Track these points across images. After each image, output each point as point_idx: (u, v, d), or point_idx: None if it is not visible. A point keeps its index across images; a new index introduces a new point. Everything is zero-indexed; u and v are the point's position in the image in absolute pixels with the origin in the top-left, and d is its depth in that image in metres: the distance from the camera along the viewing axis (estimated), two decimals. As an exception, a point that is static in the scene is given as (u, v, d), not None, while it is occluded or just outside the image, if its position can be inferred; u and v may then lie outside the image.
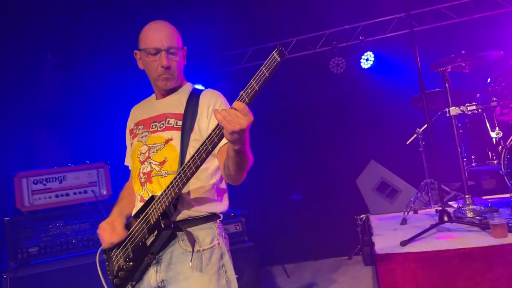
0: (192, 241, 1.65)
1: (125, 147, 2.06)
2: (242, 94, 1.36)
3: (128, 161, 2.00)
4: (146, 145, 1.80)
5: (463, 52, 3.42)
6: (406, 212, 4.01)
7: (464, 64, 3.51)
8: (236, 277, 3.61)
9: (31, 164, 4.03)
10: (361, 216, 5.11)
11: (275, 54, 1.35)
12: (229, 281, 1.75)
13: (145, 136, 1.82)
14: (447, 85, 3.46)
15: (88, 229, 3.38)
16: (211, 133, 1.45)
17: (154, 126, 1.82)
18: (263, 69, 1.35)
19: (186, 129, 1.74)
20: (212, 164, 1.78)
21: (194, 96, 1.83)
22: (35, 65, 4.51)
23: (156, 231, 1.62)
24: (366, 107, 5.74)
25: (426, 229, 2.97)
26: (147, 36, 1.80)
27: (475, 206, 3.32)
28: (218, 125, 1.41)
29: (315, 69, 5.96)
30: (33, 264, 3.24)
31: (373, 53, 5.76)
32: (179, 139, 1.74)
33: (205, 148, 1.47)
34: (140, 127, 1.88)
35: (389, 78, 5.61)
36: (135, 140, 1.87)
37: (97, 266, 1.84)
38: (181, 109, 1.80)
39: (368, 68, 5.81)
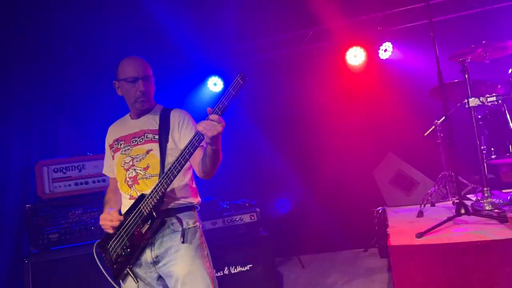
0: (180, 222, 2.17)
1: None
2: (215, 109, 1.86)
3: (107, 171, 2.48)
4: (129, 156, 2.24)
5: (483, 42, 3.34)
6: (423, 205, 3.97)
7: (484, 54, 3.43)
8: (251, 266, 3.68)
9: (51, 153, 4.12)
10: (378, 208, 5.09)
11: (238, 78, 1.85)
12: (208, 254, 2.27)
13: (128, 149, 2.26)
14: (466, 75, 3.38)
15: (107, 217, 3.44)
16: (191, 140, 1.95)
17: (134, 141, 2.27)
18: (230, 89, 1.86)
19: (163, 141, 2.21)
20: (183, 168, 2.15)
21: (165, 115, 2.31)
22: (59, 53, 4.58)
23: (149, 221, 2.07)
24: (384, 98, 5.66)
25: (442, 221, 2.93)
26: (126, 68, 2.25)
27: (493, 199, 3.26)
28: (196, 133, 1.92)
29: (333, 60, 5.91)
30: (54, 250, 3.34)
31: (391, 44, 5.67)
32: (157, 149, 2.21)
33: (187, 151, 1.95)
34: (121, 142, 2.31)
35: (407, 69, 5.52)
36: (117, 153, 2.30)
37: (95, 257, 2.24)
38: (155, 126, 2.28)
39: (386, 59, 5.73)
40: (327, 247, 5.81)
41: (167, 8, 4.81)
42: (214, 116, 1.85)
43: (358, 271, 4.74)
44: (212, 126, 1.84)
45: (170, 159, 2.16)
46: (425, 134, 4.49)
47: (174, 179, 2.01)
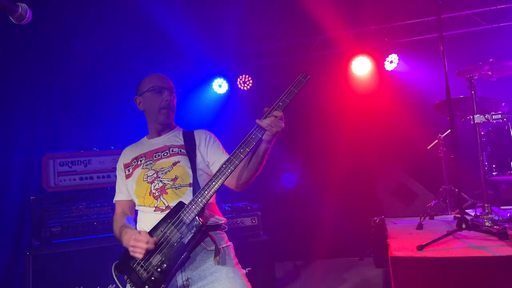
0: (214, 240, 1.97)
1: None
2: (275, 106, 1.84)
3: (119, 196, 2.27)
4: (153, 169, 2.11)
5: (490, 60, 3.39)
6: (422, 217, 4.01)
7: (491, 73, 3.48)
8: (250, 269, 3.65)
9: (55, 147, 4.14)
10: (376, 218, 5.12)
11: (300, 77, 1.89)
12: (244, 272, 2.06)
13: (150, 163, 2.14)
14: (473, 92, 3.43)
15: (109, 212, 3.46)
16: (247, 138, 1.88)
17: (157, 156, 2.16)
18: (292, 87, 1.87)
19: (191, 154, 2.13)
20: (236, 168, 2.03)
21: (188, 134, 2.26)
22: (65, 48, 4.60)
23: (194, 228, 1.88)
24: (388, 109, 5.71)
25: (443, 235, 2.97)
26: (151, 80, 2.23)
27: (493, 216, 3.30)
28: (252, 131, 1.87)
29: (337, 68, 5.95)
30: (55, 243, 3.34)
31: (397, 56, 5.73)
32: (187, 160, 2.12)
33: (241, 150, 1.87)
34: (141, 159, 2.19)
35: (412, 81, 5.57)
36: (137, 169, 2.16)
37: (115, 280, 1.98)
38: (180, 142, 2.22)
39: (392, 70, 5.78)
40: (323, 254, 5.83)
41: (171, 12, 4.84)
42: (278, 112, 1.82)
43: (354, 279, 4.76)
44: (277, 122, 1.82)
45: (199, 172, 2.10)
46: (428, 148, 4.54)
47: (225, 180, 1.88)
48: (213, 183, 1.87)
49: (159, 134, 2.28)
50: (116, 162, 3.56)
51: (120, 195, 2.26)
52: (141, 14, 4.68)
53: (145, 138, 2.35)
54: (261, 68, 6.21)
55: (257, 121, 1.85)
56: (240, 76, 6.21)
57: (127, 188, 2.20)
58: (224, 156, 2.10)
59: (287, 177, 5.67)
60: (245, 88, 6.23)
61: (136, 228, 2.08)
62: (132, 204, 2.22)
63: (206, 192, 1.88)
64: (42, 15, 4.18)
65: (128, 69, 4.89)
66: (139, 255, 1.88)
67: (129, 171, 2.21)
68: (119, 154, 3.59)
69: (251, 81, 6.20)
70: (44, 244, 3.29)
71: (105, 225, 3.42)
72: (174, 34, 5.12)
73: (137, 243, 1.88)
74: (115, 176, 3.53)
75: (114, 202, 2.31)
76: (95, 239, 3.38)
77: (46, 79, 4.46)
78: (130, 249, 1.92)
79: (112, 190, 3.54)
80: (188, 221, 1.88)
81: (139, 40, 4.97)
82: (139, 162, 2.18)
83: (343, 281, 4.72)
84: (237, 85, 6.25)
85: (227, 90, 6.31)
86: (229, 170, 1.86)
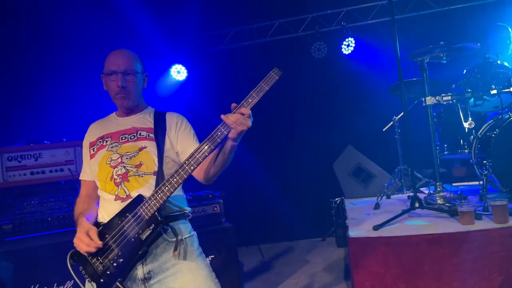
0: (174, 232, 1.91)
1: None
2: (244, 102, 1.75)
3: (85, 176, 2.16)
4: (118, 153, 2.02)
5: (441, 42, 3.48)
6: (379, 197, 4.13)
7: (442, 55, 3.58)
8: (213, 257, 3.64)
9: (5, 142, 3.92)
10: (336, 199, 5.25)
11: (272, 73, 1.79)
12: (208, 262, 2.02)
13: (115, 146, 2.05)
14: (425, 75, 3.54)
15: (64, 207, 3.34)
16: (212, 134, 1.77)
17: (124, 138, 2.06)
18: (262, 83, 1.77)
19: (159, 140, 2.03)
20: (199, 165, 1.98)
21: (160, 115, 2.15)
22: (10, 38, 4.36)
23: (152, 225, 1.82)
24: (345, 92, 5.82)
25: (397, 215, 3.08)
26: (108, 62, 2.09)
27: (445, 193, 3.45)
28: (218, 128, 1.77)
29: (296, 53, 5.97)
30: (7, 241, 3.20)
31: (354, 39, 5.80)
32: (154, 147, 2.02)
33: (207, 146, 1.78)
34: (107, 139, 2.08)
35: (369, 65, 5.67)
36: (101, 150, 2.05)
37: (69, 269, 1.91)
38: (149, 125, 2.11)
39: (348, 54, 5.86)
40: (287, 236, 5.93)
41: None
42: (246, 110, 1.73)
43: (316, 259, 4.88)
44: (243, 120, 1.72)
45: (166, 159, 2.01)
46: (384, 129, 4.66)
47: (187, 178, 1.81)
48: (175, 179, 1.81)
49: (127, 114, 2.16)
50: (69, 155, 3.50)
51: (85, 175, 2.16)
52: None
53: (113, 114, 2.22)
54: (219, 53, 6.13)
55: (222, 116, 1.74)
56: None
57: (91, 168, 2.10)
58: (194, 146, 1.96)
59: None
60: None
61: (98, 214, 2.01)
62: (96, 185, 2.10)
63: (166, 188, 1.81)
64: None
65: (82, 56, 4.69)
66: (82, 252, 1.85)
67: (93, 150, 2.09)
68: (72, 147, 3.52)
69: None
70: (-5, 242, 3.15)
71: (59, 220, 3.30)
72: (130, 18, 4.94)
73: (79, 243, 1.83)
74: (69, 169, 3.46)
75: (79, 179, 2.20)
76: (49, 235, 3.25)
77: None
78: (74, 245, 1.87)
79: (66, 184, 3.46)
80: (147, 216, 1.81)
81: (95, 26, 4.76)
82: (104, 143, 2.07)
83: (306, 262, 4.83)
84: (196, 72, 6.16)
85: (186, 77, 6.20)
86: (192, 168, 1.79)
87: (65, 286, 3.06)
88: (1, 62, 4.24)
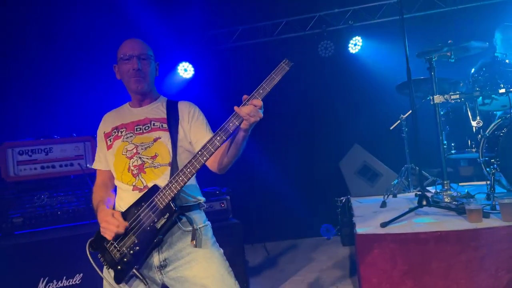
0: (190, 221, 1.96)
1: None
2: (255, 94, 1.77)
3: (98, 164, 2.20)
4: (133, 143, 2.05)
5: (449, 41, 3.48)
6: (386, 196, 4.14)
7: (450, 54, 3.58)
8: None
9: (16, 136, 3.96)
10: (342, 198, 5.25)
11: (283, 64, 1.81)
12: (222, 252, 2.08)
13: (131, 136, 2.07)
14: (432, 73, 3.54)
15: (74, 201, 3.37)
16: (224, 125, 1.81)
17: (138, 129, 2.09)
18: (273, 74, 1.80)
19: (173, 130, 2.06)
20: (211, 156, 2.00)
21: (172, 105, 2.17)
22: (20, 36, 4.39)
23: (167, 214, 1.86)
24: (352, 91, 5.82)
25: (405, 212, 3.08)
26: (122, 48, 2.12)
27: (452, 192, 3.45)
28: (229, 118, 1.80)
29: (303, 52, 5.97)
30: (17, 234, 3.23)
31: (361, 38, 5.80)
32: (168, 137, 2.04)
33: (218, 138, 1.81)
34: (122, 130, 2.11)
35: (375, 63, 5.68)
36: (117, 141, 2.09)
37: (89, 257, 1.94)
38: (162, 115, 2.12)
39: (355, 53, 5.86)
40: (292, 234, 5.94)
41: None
42: (258, 102, 1.76)
43: (321, 257, 4.90)
44: (255, 112, 1.75)
45: (180, 150, 2.04)
46: (391, 128, 4.66)
47: (200, 168, 1.85)
48: (188, 170, 1.84)
49: (140, 104, 2.19)
50: (79, 149, 3.53)
51: (99, 164, 2.20)
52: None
53: (127, 104, 2.24)
54: (227, 51, 6.15)
55: (235, 108, 1.77)
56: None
57: (107, 159, 2.14)
58: (208, 136, 2.01)
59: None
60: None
61: (115, 203, 2.07)
62: (112, 174, 2.14)
63: (180, 178, 1.85)
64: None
65: (90, 52, 4.72)
66: (108, 236, 1.89)
67: (110, 141, 2.12)
68: (82, 142, 3.55)
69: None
70: (5, 235, 3.18)
71: (69, 214, 3.33)
72: (138, 17, 4.97)
73: (108, 226, 1.88)
74: (79, 164, 3.49)
75: (93, 167, 2.25)
76: (59, 229, 3.28)
77: (2, 65, 4.24)
78: (101, 229, 1.92)
79: (75, 179, 3.49)
80: (162, 206, 1.87)
81: (103, 23, 4.79)
82: (119, 134, 2.11)
83: (311, 260, 4.84)
84: (202, 70, 6.18)
85: (193, 75, 6.23)
86: (205, 158, 1.83)
87: (74, 280, 3.08)
88: (12, 57, 4.28)
